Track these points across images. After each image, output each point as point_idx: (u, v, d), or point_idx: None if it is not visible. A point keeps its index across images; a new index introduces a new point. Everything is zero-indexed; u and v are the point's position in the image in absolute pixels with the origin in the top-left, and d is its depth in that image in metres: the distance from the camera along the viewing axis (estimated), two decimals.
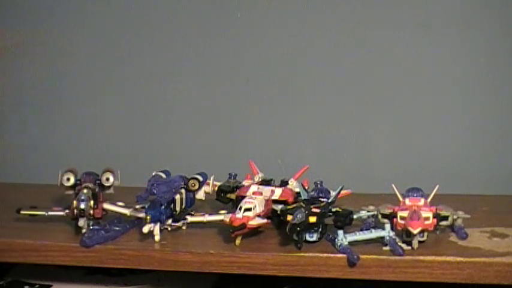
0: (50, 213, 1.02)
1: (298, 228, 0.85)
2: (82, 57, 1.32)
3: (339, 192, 0.94)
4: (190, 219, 0.97)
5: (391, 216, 0.89)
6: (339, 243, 0.86)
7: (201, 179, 1.00)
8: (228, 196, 1.00)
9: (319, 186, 0.99)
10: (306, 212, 0.86)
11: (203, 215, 0.97)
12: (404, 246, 0.86)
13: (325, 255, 0.86)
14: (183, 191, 0.98)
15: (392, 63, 1.21)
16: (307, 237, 0.89)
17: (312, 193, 0.96)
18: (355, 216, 0.91)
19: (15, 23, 1.34)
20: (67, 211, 0.99)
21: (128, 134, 1.32)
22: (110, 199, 1.03)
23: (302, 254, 0.86)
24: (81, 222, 0.95)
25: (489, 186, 1.16)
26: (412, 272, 0.83)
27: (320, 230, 0.89)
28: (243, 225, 0.87)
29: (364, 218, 0.93)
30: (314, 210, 0.88)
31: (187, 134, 1.30)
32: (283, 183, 1.00)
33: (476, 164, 1.19)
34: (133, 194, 1.22)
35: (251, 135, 1.27)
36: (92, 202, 0.96)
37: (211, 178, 1.01)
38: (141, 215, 0.96)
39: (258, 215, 0.89)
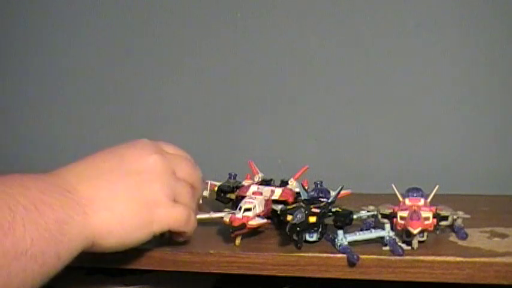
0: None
1: (298, 228, 0.84)
2: (82, 58, 1.32)
3: (339, 192, 0.94)
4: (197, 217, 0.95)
5: (391, 216, 0.89)
6: (338, 243, 0.86)
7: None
8: (228, 196, 1.00)
9: (319, 186, 0.99)
10: (306, 212, 0.86)
11: (208, 212, 0.96)
12: (404, 246, 0.86)
13: (325, 255, 0.86)
14: None
15: (392, 64, 1.21)
16: (307, 237, 0.89)
17: (312, 193, 0.96)
18: (355, 216, 0.91)
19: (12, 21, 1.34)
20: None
21: (127, 134, 1.32)
22: None
23: (302, 254, 0.86)
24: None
25: (489, 186, 1.16)
26: (412, 272, 0.83)
27: (320, 230, 0.89)
28: (243, 225, 0.87)
29: (364, 218, 0.93)
30: (314, 210, 0.87)
31: (187, 133, 1.30)
32: (283, 183, 1.00)
33: (476, 164, 1.19)
34: None
35: (251, 135, 1.27)
36: None
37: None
38: None
39: (258, 215, 0.89)
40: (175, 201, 0.82)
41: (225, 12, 1.25)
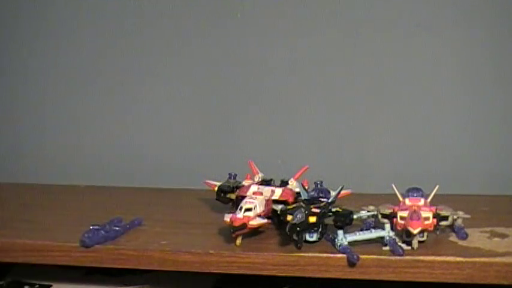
0: None
1: (298, 228, 0.85)
2: (83, 59, 1.32)
3: (339, 192, 0.94)
4: None
5: (391, 216, 0.89)
6: (338, 243, 0.86)
7: None
8: (228, 196, 1.00)
9: (319, 186, 0.99)
10: (306, 212, 0.86)
11: None
12: (404, 246, 0.86)
13: (325, 255, 0.86)
14: None
15: (392, 64, 1.21)
16: (307, 237, 0.89)
17: (312, 193, 0.96)
18: (355, 216, 0.91)
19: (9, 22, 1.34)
20: None
21: (128, 135, 1.32)
22: None
23: (302, 254, 0.86)
24: None
25: (489, 186, 1.16)
26: (412, 272, 0.83)
27: (320, 230, 0.89)
28: (244, 225, 0.87)
29: (364, 218, 0.93)
30: (314, 210, 0.88)
31: (187, 134, 1.30)
32: (283, 183, 1.00)
33: (476, 164, 1.19)
34: (134, 194, 1.22)
35: (251, 135, 1.27)
36: None
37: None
38: None
39: (259, 215, 0.89)
40: None
41: (225, 12, 1.25)
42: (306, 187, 0.97)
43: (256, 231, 0.91)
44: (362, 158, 1.23)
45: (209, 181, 1.03)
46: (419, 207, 0.87)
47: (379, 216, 0.91)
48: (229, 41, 1.26)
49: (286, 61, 1.24)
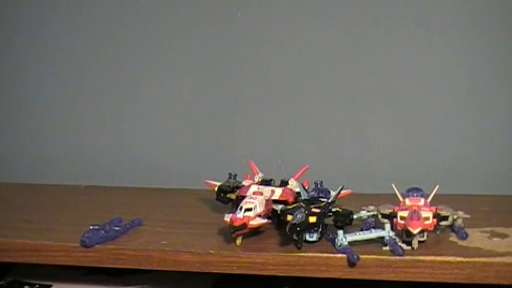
0: None
1: (298, 228, 0.85)
2: (82, 59, 1.32)
3: (339, 192, 0.94)
4: None
5: (391, 216, 0.89)
6: (338, 243, 0.86)
7: None
8: (228, 196, 1.00)
9: (319, 186, 0.99)
10: (306, 212, 0.86)
11: None
12: (404, 246, 0.86)
13: (325, 255, 0.86)
14: None
15: (392, 63, 1.21)
16: (307, 237, 0.89)
17: (312, 193, 0.96)
18: (355, 216, 0.91)
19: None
20: None
21: (128, 135, 1.32)
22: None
23: (302, 254, 0.86)
24: None
25: (489, 186, 1.16)
26: (412, 272, 0.83)
27: (320, 230, 0.89)
28: (244, 225, 0.87)
29: (364, 218, 0.93)
30: (314, 210, 0.88)
31: (187, 133, 1.30)
32: (283, 183, 1.00)
33: (476, 164, 1.19)
34: (135, 195, 1.22)
35: (251, 135, 1.27)
36: None
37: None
38: None
39: (259, 215, 0.89)
40: None
41: (225, 12, 1.25)
42: (306, 187, 0.97)
43: (256, 231, 0.91)
44: (362, 158, 1.23)
45: (209, 181, 1.03)
46: (419, 207, 0.87)
47: (379, 216, 0.91)
48: (229, 41, 1.26)
49: (286, 61, 1.24)
